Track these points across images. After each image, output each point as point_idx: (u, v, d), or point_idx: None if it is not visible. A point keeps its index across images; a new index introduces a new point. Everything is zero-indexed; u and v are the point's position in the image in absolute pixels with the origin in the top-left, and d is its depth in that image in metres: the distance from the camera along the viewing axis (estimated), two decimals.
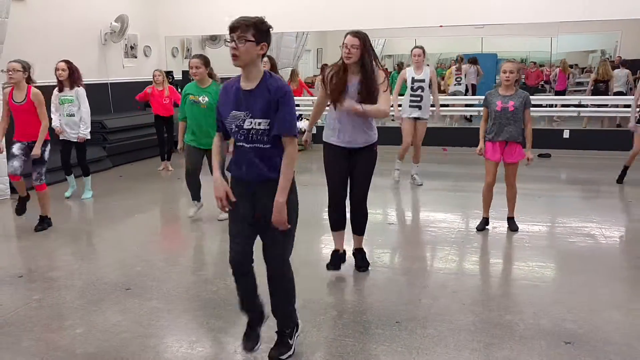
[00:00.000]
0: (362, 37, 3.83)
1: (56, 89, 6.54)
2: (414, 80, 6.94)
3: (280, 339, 2.97)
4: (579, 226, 5.45)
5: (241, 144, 2.72)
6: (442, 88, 13.87)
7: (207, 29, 11.55)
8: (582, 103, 11.33)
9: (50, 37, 8.53)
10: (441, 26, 10.15)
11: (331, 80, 3.91)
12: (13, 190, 6.86)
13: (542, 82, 15.36)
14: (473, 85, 13.70)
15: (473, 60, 13.59)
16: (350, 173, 4.06)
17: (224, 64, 8.89)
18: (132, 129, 9.63)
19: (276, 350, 2.95)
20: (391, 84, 7.87)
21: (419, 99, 6.97)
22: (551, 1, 9.13)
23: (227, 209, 2.80)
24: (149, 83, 8.87)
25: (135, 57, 10.83)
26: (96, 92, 9.46)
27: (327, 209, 4.21)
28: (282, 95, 2.63)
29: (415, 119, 7.07)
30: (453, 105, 12.34)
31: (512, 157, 5.03)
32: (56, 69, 6.42)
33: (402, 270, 4.40)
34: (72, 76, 6.43)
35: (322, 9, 10.18)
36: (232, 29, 2.64)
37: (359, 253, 4.36)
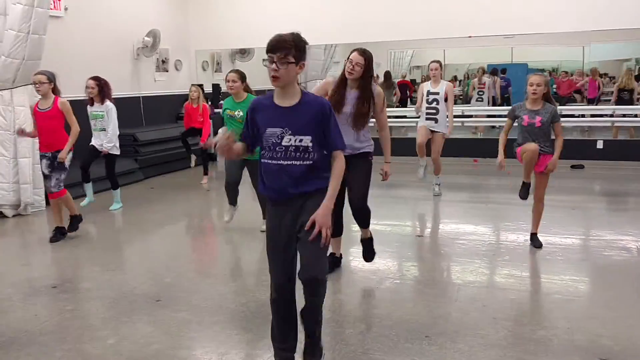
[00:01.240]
0: (367, 57, 4.01)
1: (88, 105, 6.64)
2: (429, 93, 7.03)
3: (310, 341, 2.86)
4: (614, 239, 5.32)
5: (277, 162, 2.64)
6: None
7: (237, 43, 11.72)
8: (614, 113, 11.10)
9: (85, 52, 8.76)
10: (470, 36, 10.08)
11: (333, 94, 4.09)
12: (48, 202, 7.03)
13: (573, 92, 15.11)
14: (494, 98, 13.52)
15: (493, 71, 13.45)
16: (347, 182, 4.07)
17: (253, 78, 8.99)
18: (163, 142, 9.78)
19: (311, 355, 2.86)
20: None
21: (434, 111, 7.02)
22: (583, 10, 9.00)
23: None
24: (180, 96, 9.04)
25: (167, 71, 11.04)
26: (128, 106, 9.67)
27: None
28: (328, 111, 2.67)
29: (432, 130, 7.09)
30: (477, 116, 12.24)
31: (541, 167, 4.89)
32: (86, 87, 6.52)
33: (432, 283, 4.35)
34: (102, 92, 6.51)
35: (350, 22, 10.23)
36: (273, 49, 2.55)
37: (365, 242, 4.51)
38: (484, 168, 9.46)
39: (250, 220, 6.07)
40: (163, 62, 10.93)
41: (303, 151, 2.62)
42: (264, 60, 2.58)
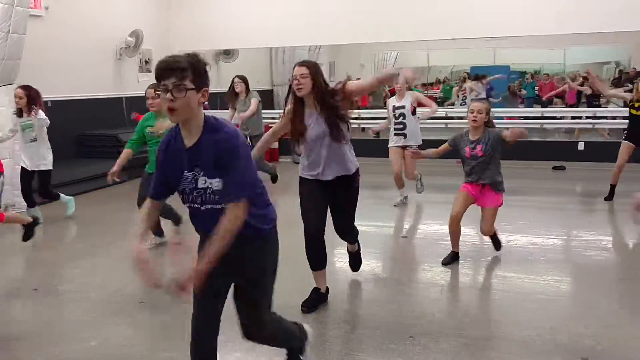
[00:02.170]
0: (310, 65, 3.59)
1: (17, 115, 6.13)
2: (395, 108, 6.65)
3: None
4: (595, 239, 5.39)
5: (196, 205, 2.29)
6: (452, 101, 13.98)
7: (221, 44, 11.68)
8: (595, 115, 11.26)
9: (66, 52, 8.66)
10: (454, 39, 10.16)
11: (293, 119, 3.64)
12: (29, 203, 6.93)
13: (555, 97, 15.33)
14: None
15: (479, 76, 13.61)
16: (330, 207, 3.80)
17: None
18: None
19: None
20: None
21: (402, 126, 6.64)
22: (564, 13, 9.10)
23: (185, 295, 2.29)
24: None
25: (150, 72, 10.94)
26: (111, 107, 9.59)
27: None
28: (232, 144, 2.15)
29: (403, 147, 6.66)
30: (460, 118, 12.36)
31: (488, 202, 4.62)
32: (14, 96, 6.07)
33: (415, 284, 4.37)
34: (31, 102, 5.98)
35: (334, 23, 10.24)
36: (164, 74, 2.10)
37: (352, 253, 4.31)
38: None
39: None
40: (146, 62, 10.86)
41: (216, 193, 2.23)
42: (156, 90, 2.20)
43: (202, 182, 2.20)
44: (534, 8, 9.25)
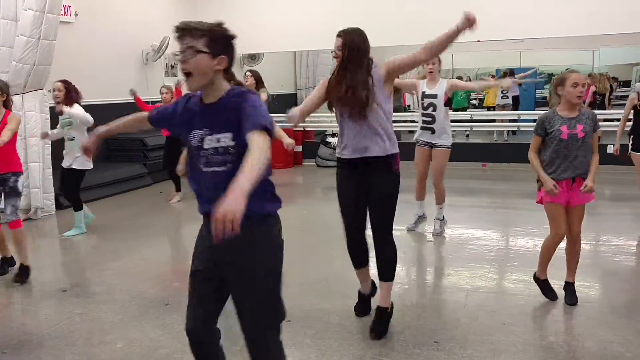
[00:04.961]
0: (346, 34, 3.43)
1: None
2: (424, 95, 5.42)
3: None
4: (624, 244, 5.29)
5: (201, 166, 2.13)
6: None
7: (245, 48, 11.74)
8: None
9: (95, 58, 8.82)
10: (479, 41, 10.06)
11: (332, 81, 3.45)
12: (59, 205, 7.07)
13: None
14: (515, 98, 13.64)
15: (509, 73, 13.54)
16: (366, 198, 3.41)
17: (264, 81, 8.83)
18: None
19: None
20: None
21: (430, 119, 5.43)
22: (592, 14, 8.96)
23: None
24: None
25: (176, 76, 11.09)
26: (138, 111, 9.72)
27: None
28: (241, 97, 2.06)
29: (431, 146, 5.55)
30: (502, 121, 12.27)
31: (581, 199, 3.74)
32: (53, 90, 5.80)
33: (440, 288, 4.34)
34: (69, 96, 5.68)
35: (358, 26, 10.23)
36: (179, 36, 2.09)
37: (381, 314, 3.53)
38: (492, 173, 9.43)
39: None
40: (172, 67, 11.00)
41: (224, 153, 2.07)
42: (174, 54, 2.17)
43: (208, 142, 2.09)
44: (562, 9, 9.12)
